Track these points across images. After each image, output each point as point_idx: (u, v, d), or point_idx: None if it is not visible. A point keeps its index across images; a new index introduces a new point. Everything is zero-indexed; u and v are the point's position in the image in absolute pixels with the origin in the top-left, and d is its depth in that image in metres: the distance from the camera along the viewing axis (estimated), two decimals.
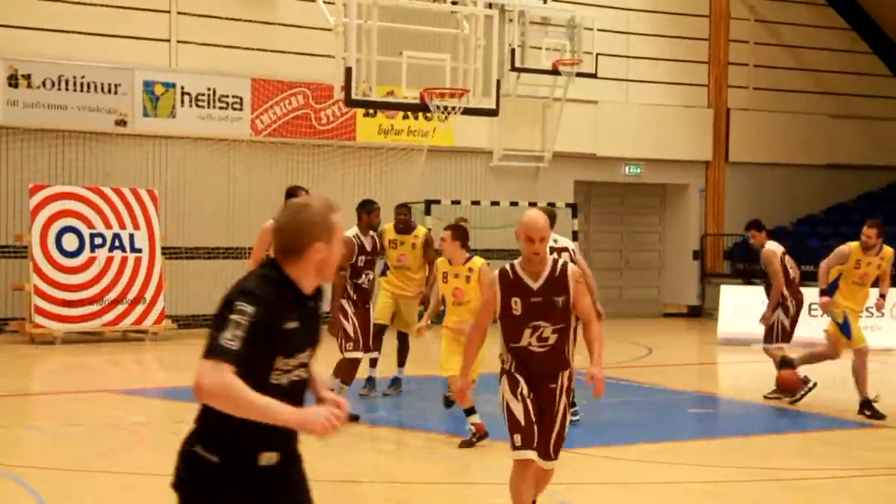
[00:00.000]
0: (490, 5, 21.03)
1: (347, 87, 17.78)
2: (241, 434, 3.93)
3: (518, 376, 6.83)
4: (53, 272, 18.53)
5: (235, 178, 21.55)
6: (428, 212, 21.81)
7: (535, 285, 6.76)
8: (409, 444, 11.24)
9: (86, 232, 18.88)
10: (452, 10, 19.44)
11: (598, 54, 23.73)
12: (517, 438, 6.78)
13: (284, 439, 4.06)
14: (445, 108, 18.34)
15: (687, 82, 26.53)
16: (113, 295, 18.94)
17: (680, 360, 18.83)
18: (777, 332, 13.14)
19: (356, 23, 17.73)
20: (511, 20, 23.41)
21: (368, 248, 11.92)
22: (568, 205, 23.17)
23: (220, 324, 3.87)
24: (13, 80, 19.62)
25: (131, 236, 19.24)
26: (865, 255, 12.39)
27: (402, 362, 13.38)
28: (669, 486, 9.27)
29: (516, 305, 6.75)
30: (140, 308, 19.14)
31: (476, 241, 15.08)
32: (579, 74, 23.62)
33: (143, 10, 20.87)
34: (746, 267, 24.38)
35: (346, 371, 11.55)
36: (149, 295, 19.24)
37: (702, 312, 26.06)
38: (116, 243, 19.11)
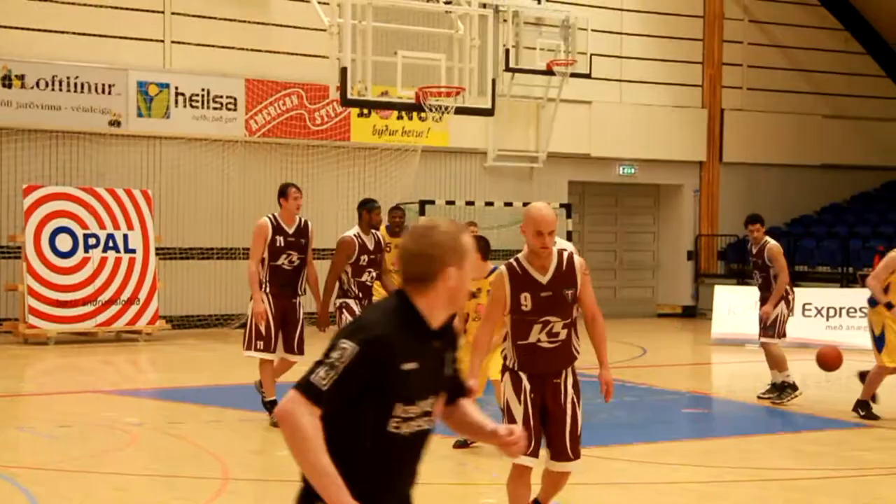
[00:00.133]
0: (484, 5, 21.04)
1: (343, 87, 17.80)
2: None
3: (521, 374, 6.72)
4: (47, 273, 18.50)
5: (230, 179, 21.53)
6: (422, 212, 21.77)
7: (543, 279, 6.63)
8: None
9: (80, 232, 18.86)
10: (447, 11, 19.46)
11: (592, 55, 23.73)
12: None
13: None
14: (440, 107, 18.34)
15: (681, 83, 26.56)
16: (107, 295, 18.92)
17: (674, 361, 18.83)
18: (778, 325, 13.07)
19: (351, 23, 17.74)
20: (505, 20, 23.41)
21: (370, 246, 11.83)
22: (562, 205, 23.17)
23: (323, 356, 3.54)
24: (7, 81, 19.59)
25: (125, 237, 19.22)
26: None
27: None
28: (663, 486, 9.27)
29: (526, 301, 6.59)
30: (134, 308, 19.10)
31: None
32: (573, 75, 23.62)
33: (137, 10, 20.85)
34: (740, 267, 24.40)
35: None
36: (143, 295, 19.21)
37: (696, 312, 26.10)
38: (110, 244, 19.09)
